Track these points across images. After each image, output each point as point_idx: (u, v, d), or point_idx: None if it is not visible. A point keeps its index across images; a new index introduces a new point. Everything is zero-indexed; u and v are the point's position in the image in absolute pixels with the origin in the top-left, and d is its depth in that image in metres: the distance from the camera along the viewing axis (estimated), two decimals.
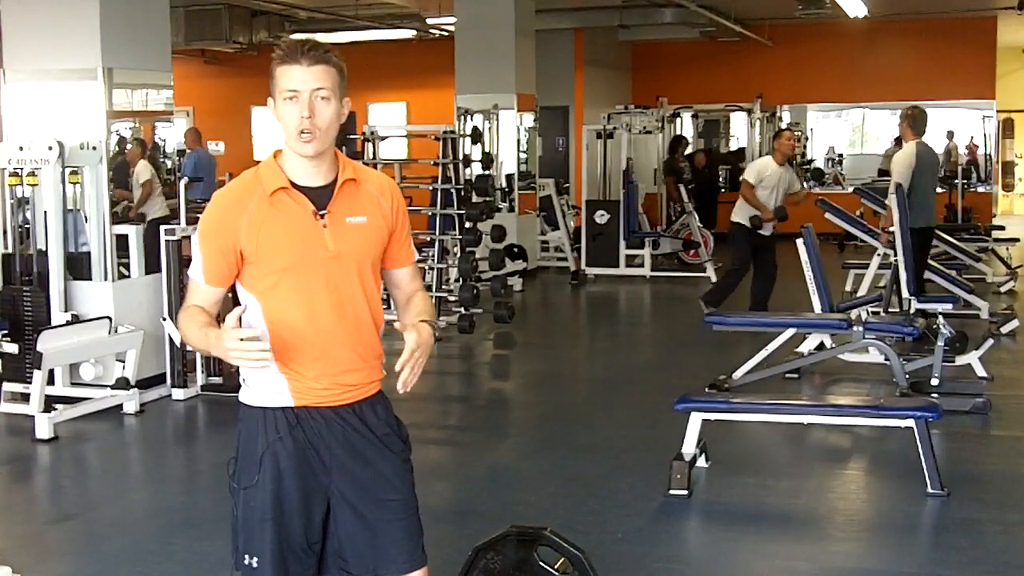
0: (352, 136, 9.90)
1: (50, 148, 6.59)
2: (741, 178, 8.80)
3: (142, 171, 7.87)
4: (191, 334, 2.46)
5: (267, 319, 2.48)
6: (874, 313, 7.84)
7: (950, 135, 17.74)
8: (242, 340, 2.30)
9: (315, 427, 2.49)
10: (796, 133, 17.41)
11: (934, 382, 6.49)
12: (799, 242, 7.11)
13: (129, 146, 7.64)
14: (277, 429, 2.48)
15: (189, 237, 7.00)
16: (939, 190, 8.75)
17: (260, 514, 2.47)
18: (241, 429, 2.54)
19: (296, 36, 2.61)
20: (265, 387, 2.50)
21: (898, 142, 17.37)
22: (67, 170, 6.72)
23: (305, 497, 2.49)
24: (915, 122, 8.37)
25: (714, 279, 12.04)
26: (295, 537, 2.50)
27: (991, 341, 7.16)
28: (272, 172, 2.48)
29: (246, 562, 2.49)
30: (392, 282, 2.67)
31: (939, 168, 8.44)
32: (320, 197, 2.48)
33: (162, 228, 6.96)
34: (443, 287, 9.13)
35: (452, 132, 9.60)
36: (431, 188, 9.29)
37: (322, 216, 2.47)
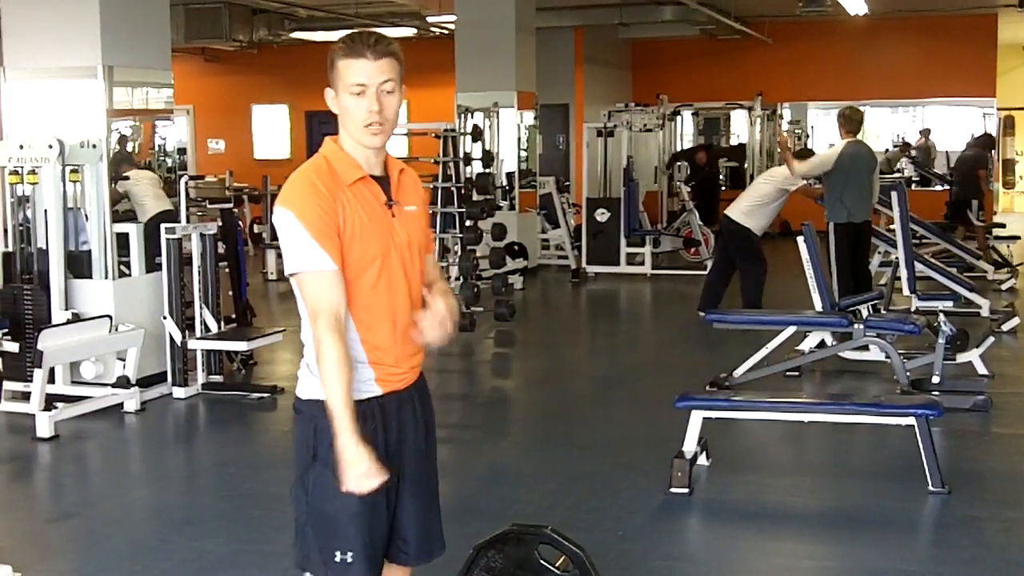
0: None
1: (50, 146, 6.58)
2: (792, 187, 8.92)
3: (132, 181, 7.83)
4: (338, 390, 2.37)
5: (352, 311, 2.46)
6: (874, 310, 7.84)
7: (925, 133, 17.78)
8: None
9: (393, 412, 2.53)
10: (797, 131, 17.45)
11: (935, 380, 6.49)
12: (800, 239, 7.10)
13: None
14: (369, 420, 2.47)
15: (190, 235, 7.02)
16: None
17: (351, 508, 2.46)
18: (318, 427, 2.46)
19: (356, 30, 2.56)
20: (353, 381, 2.46)
21: (906, 146, 17.51)
22: (67, 168, 6.71)
23: (388, 485, 2.49)
24: (847, 121, 8.52)
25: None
26: (381, 527, 2.53)
27: (992, 339, 7.16)
28: (346, 162, 2.48)
29: (338, 559, 2.48)
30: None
31: (876, 166, 8.60)
32: (384, 187, 2.52)
33: (162, 226, 6.95)
34: None
35: (452, 130, 9.60)
36: (432, 186, 9.28)
37: (390, 206, 2.51)
